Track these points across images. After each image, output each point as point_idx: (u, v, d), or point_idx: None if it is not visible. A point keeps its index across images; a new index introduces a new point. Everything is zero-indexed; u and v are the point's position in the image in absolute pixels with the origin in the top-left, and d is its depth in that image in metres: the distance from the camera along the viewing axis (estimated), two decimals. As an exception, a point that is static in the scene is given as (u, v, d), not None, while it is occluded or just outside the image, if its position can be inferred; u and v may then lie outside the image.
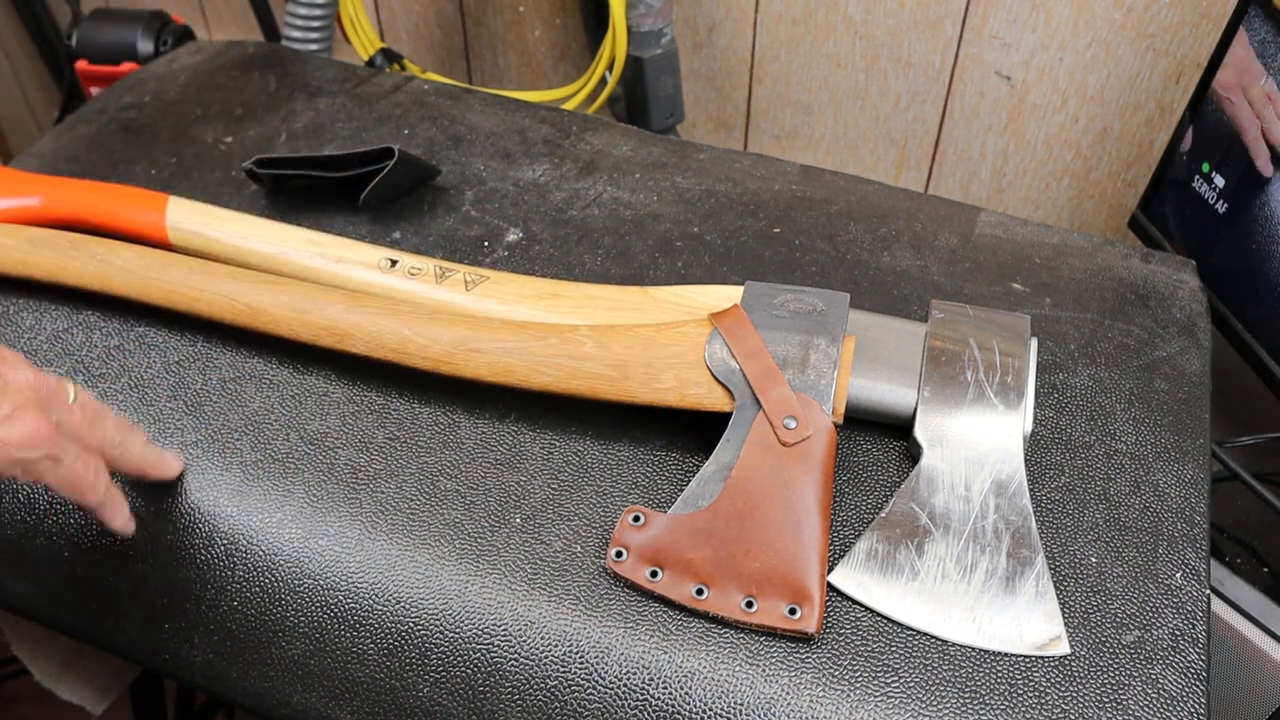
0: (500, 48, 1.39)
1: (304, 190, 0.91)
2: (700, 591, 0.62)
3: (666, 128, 1.20)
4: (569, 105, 1.22)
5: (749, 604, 0.62)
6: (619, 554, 0.64)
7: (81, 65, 1.27)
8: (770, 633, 0.62)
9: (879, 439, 0.71)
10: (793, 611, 0.61)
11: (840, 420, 0.67)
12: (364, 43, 1.28)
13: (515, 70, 1.41)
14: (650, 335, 0.70)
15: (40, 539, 0.71)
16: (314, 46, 1.22)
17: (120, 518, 0.65)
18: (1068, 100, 1.13)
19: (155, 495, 0.69)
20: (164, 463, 0.68)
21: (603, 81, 1.19)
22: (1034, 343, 0.72)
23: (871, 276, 0.82)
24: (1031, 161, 1.19)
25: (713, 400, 0.68)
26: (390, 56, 1.28)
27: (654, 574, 0.63)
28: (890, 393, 0.70)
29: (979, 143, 1.20)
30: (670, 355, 0.69)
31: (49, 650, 0.92)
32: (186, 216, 0.84)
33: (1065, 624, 0.62)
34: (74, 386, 0.63)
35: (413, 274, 0.77)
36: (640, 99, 1.18)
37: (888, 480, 0.69)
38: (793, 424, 0.66)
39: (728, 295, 0.74)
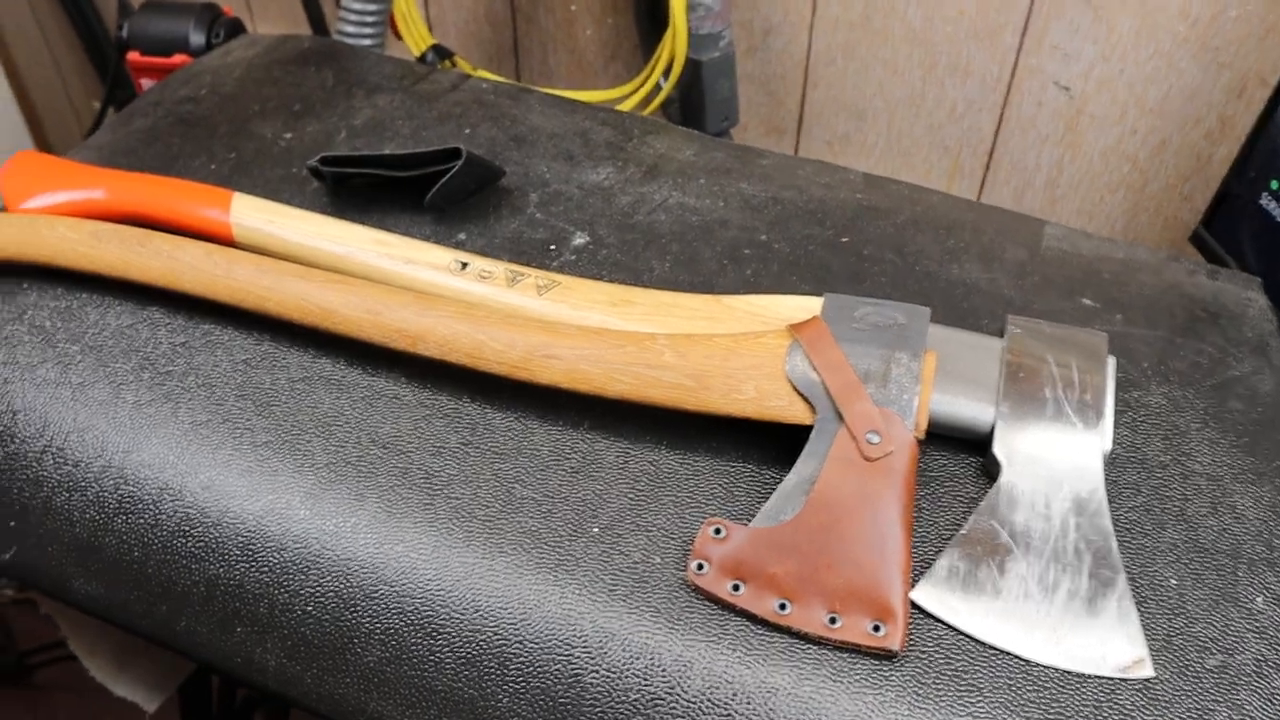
0: (550, 46, 1.39)
1: (366, 189, 0.90)
2: (783, 606, 0.62)
3: (721, 131, 1.20)
4: (623, 107, 1.21)
5: (833, 620, 0.61)
6: (700, 566, 0.63)
7: (133, 57, 1.27)
8: (853, 649, 0.61)
9: (953, 454, 0.71)
10: (876, 628, 0.61)
11: (922, 436, 0.67)
12: (416, 39, 1.27)
13: (565, 69, 1.40)
14: (730, 346, 0.69)
15: (110, 538, 0.71)
16: (367, 42, 1.21)
17: None
18: (1127, 112, 1.12)
19: (227, 496, 0.69)
20: None
21: (657, 87, 1.18)
22: (1112, 360, 0.72)
23: (941, 289, 0.82)
24: (1087, 173, 1.18)
25: (793, 413, 0.68)
26: (442, 53, 1.28)
27: (736, 588, 0.63)
28: (969, 408, 0.69)
29: (1034, 153, 1.19)
30: (750, 366, 0.69)
31: (105, 646, 0.92)
32: (251, 213, 0.84)
33: (1148, 646, 0.61)
34: None
35: (484, 277, 0.77)
36: (696, 102, 1.17)
37: (964, 496, 0.68)
38: (876, 439, 0.65)
39: (802, 306, 0.74)
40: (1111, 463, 0.70)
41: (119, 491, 0.71)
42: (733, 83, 1.17)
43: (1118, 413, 0.73)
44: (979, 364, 0.71)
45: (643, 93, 1.19)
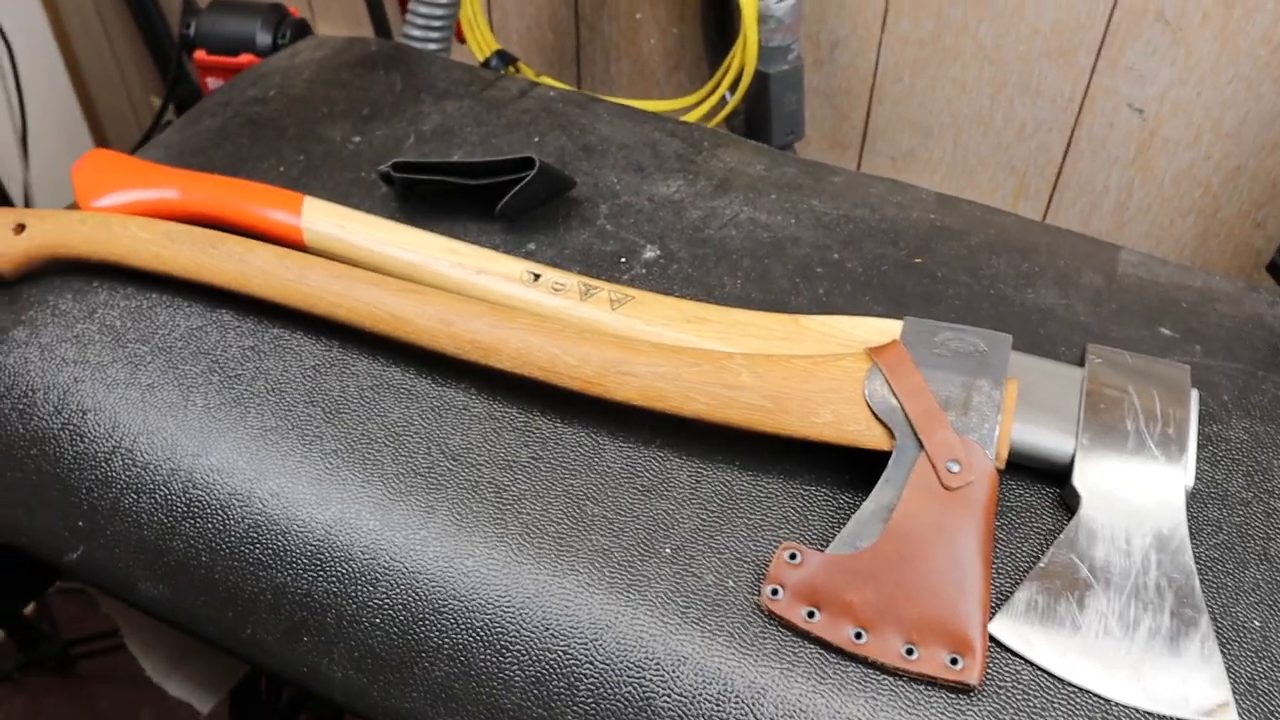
0: (613, 54, 1.38)
1: (435, 195, 0.90)
2: (859, 635, 0.61)
3: (786, 144, 1.19)
4: (688, 118, 1.20)
5: (909, 651, 0.60)
6: (774, 592, 0.62)
7: (200, 55, 1.28)
8: (929, 682, 0.60)
9: (1030, 484, 0.69)
10: (954, 661, 0.60)
11: (1002, 465, 0.66)
12: (480, 43, 1.27)
13: (626, 77, 1.40)
14: (808, 368, 0.68)
15: (177, 541, 0.71)
16: (433, 46, 1.21)
17: None
18: (1201, 136, 1.10)
19: (296, 504, 0.69)
20: None
21: (724, 99, 1.17)
22: (1195, 394, 0.70)
23: (1017, 314, 0.81)
24: (1157, 197, 1.16)
25: (871, 438, 0.67)
26: (505, 58, 1.28)
27: (811, 614, 0.62)
28: (1049, 439, 0.68)
29: (1103, 175, 1.17)
30: (828, 389, 0.68)
31: (160, 647, 0.92)
32: (322, 217, 0.83)
33: (1231, 690, 0.60)
34: None
35: (556, 290, 0.76)
36: (763, 115, 1.16)
37: (1042, 528, 0.67)
38: (956, 468, 0.64)
39: (880, 329, 0.73)
40: (1192, 498, 0.69)
41: (187, 495, 0.71)
42: (800, 96, 1.16)
43: (1198, 447, 0.72)
44: (1059, 393, 0.70)
45: (709, 104, 1.18)
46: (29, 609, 1.68)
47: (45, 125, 1.85)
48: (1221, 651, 0.61)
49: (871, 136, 1.28)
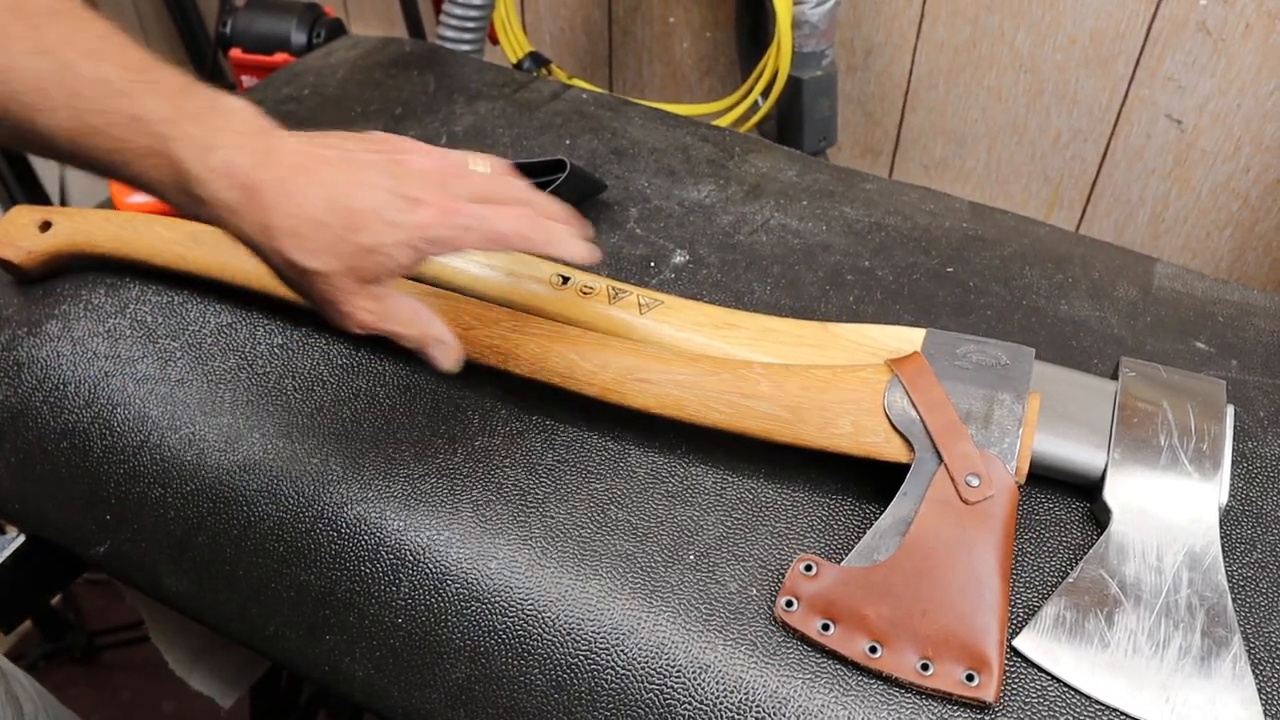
0: (645, 57, 1.38)
1: (466, 197, 0.90)
2: (874, 649, 0.60)
3: (818, 150, 1.18)
4: (720, 123, 1.20)
5: (924, 666, 0.59)
6: (789, 603, 0.62)
7: (235, 54, 1.28)
8: (945, 698, 0.59)
9: (1061, 497, 0.69)
10: (970, 678, 0.59)
11: (1023, 480, 0.65)
12: (514, 45, 1.27)
13: (659, 81, 1.39)
14: (827, 378, 0.68)
15: (203, 536, 0.71)
16: (466, 47, 1.21)
17: (577, 249, 0.64)
18: (1241, 148, 1.09)
19: (321, 501, 0.69)
20: (577, 244, 0.65)
21: (756, 104, 1.17)
22: (1231, 410, 0.69)
23: (1049, 325, 0.80)
24: (1194, 209, 1.15)
25: (890, 450, 0.66)
26: (538, 60, 1.28)
27: (826, 627, 0.61)
28: (1078, 452, 0.67)
29: (1139, 186, 1.16)
30: (848, 400, 0.67)
31: (184, 640, 0.92)
32: (353, 218, 0.83)
33: (1264, 713, 0.59)
34: (484, 159, 0.65)
35: (585, 293, 0.76)
36: (795, 120, 1.15)
37: (1071, 543, 0.66)
38: (975, 482, 0.64)
39: (908, 338, 0.72)
40: (1225, 516, 0.68)
41: (214, 491, 0.71)
42: (833, 102, 1.16)
43: (1232, 464, 0.71)
44: (1091, 407, 0.69)
45: (741, 109, 1.18)
46: (55, 599, 1.69)
47: (82, 120, 1.86)
48: (1253, 673, 0.60)
49: (904, 144, 1.27)
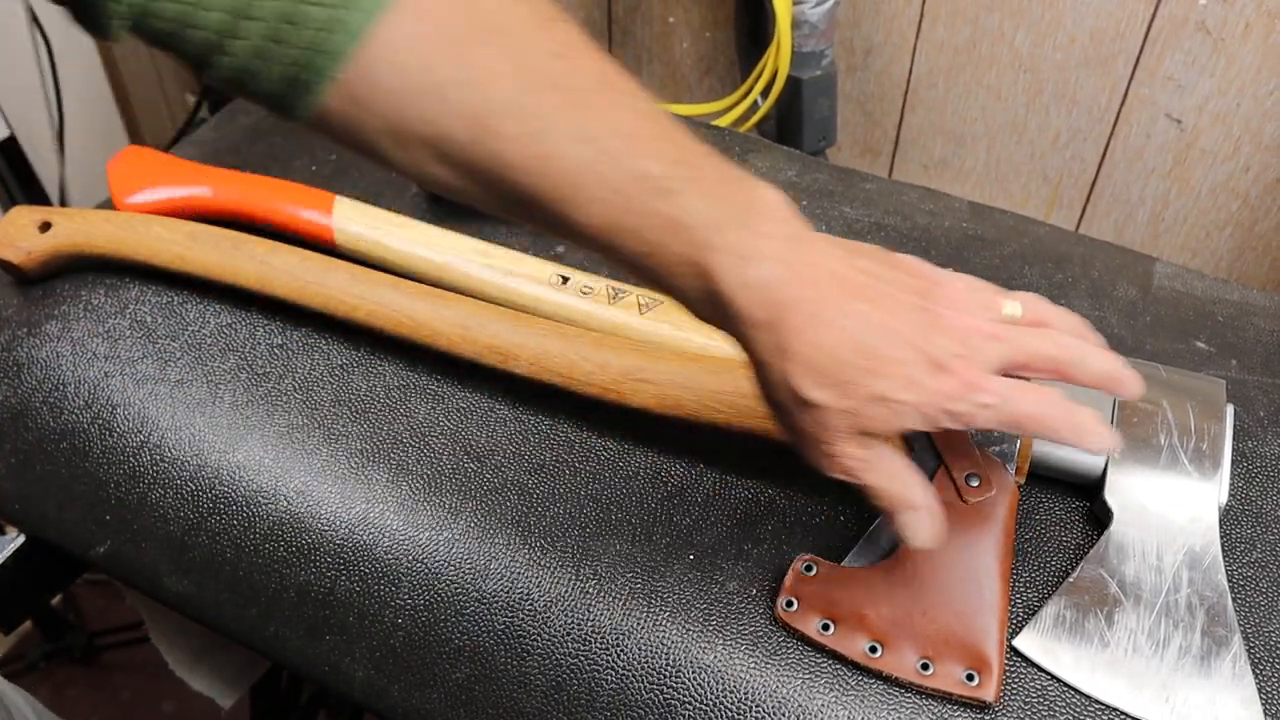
0: (645, 58, 1.38)
1: (466, 197, 0.90)
2: (874, 649, 0.60)
3: (817, 150, 1.18)
4: (719, 123, 1.20)
5: (924, 666, 0.60)
6: (789, 603, 0.62)
7: (235, 54, 1.28)
8: (945, 698, 0.59)
9: (1061, 497, 0.69)
10: (970, 678, 0.59)
11: (1023, 480, 0.65)
12: (513, 46, 1.27)
13: (658, 81, 1.39)
14: (830, 376, 0.68)
15: (203, 537, 0.71)
16: (465, 48, 1.21)
17: (1103, 439, 0.57)
18: (1240, 147, 1.09)
19: (321, 502, 0.69)
20: (1123, 378, 0.58)
21: (755, 104, 1.17)
22: (1230, 409, 0.69)
23: (1049, 324, 0.80)
24: (1194, 208, 1.15)
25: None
26: (538, 61, 1.27)
27: (826, 627, 0.61)
28: (1078, 452, 0.67)
29: (1139, 185, 1.16)
30: (850, 398, 0.67)
31: (184, 641, 0.92)
32: (353, 218, 0.83)
33: (1264, 712, 0.59)
34: (1015, 298, 0.58)
35: (585, 293, 0.76)
36: (794, 120, 1.15)
37: (1071, 542, 0.66)
38: (975, 482, 0.64)
39: (908, 337, 0.72)
40: (1225, 516, 0.68)
41: (214, 491, 0.71)
42: (832, 102, 1.16)
43: (1232, 463, 0.71)
44: (1091, 407, 0.68)
45: (740, 109, 1.18)
46: (55, 599, 1.69)
47: (81, 122, 1.86)
48: (1253, 672, 0.60)
49: (904, 144, 1.27)
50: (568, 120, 0.51)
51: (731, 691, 0.60)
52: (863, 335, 0.52)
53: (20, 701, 0.79)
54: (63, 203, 1.78)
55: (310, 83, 0.50)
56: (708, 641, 0.61)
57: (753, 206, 0.53)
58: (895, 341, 0.53)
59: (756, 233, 0.52)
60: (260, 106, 0.52)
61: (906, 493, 0.56)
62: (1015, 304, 0.58)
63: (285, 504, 0.69)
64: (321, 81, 0.50)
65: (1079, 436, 0.56)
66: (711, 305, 0.53)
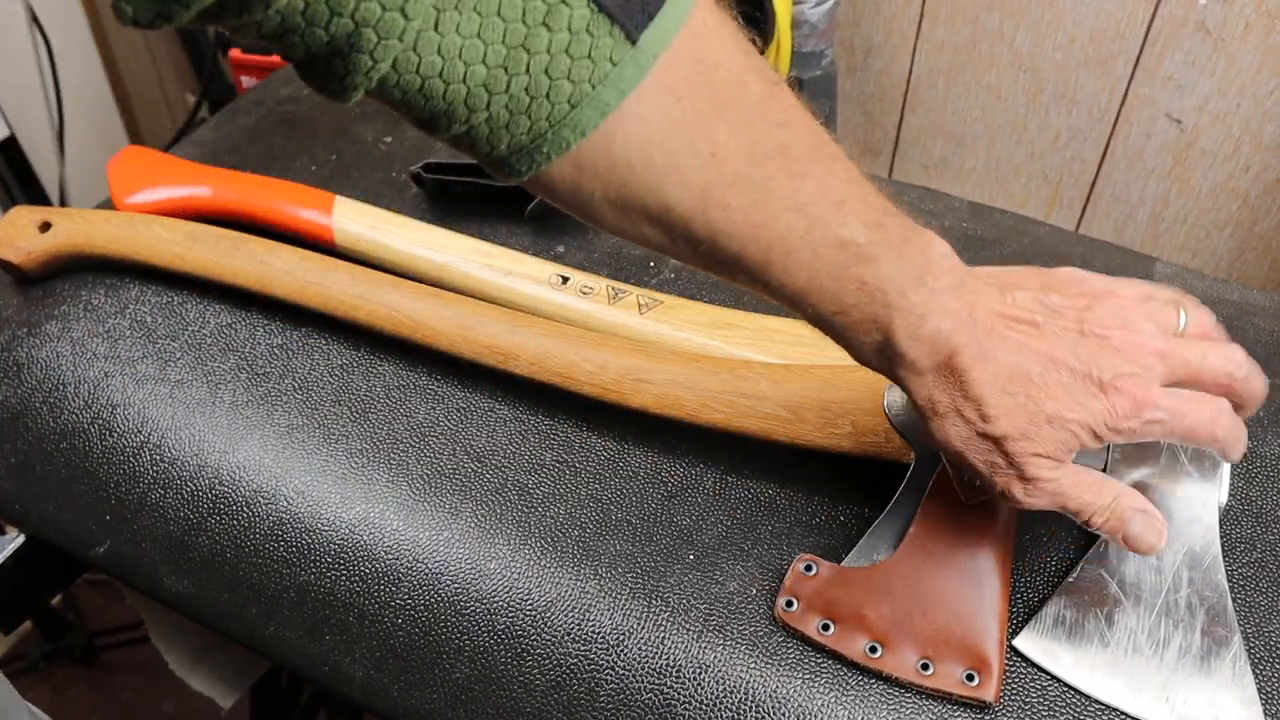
0: (645, 58, 1.38)
1: (466, 197, 0.90)
2: (874, 649, 0.60)
3: (817, 151, 1.18)
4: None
5: (924, 666, 0.60)
6: (789, 603, 0.62)
7: (235, 54, 1.28)
8: (945, 698, 0.59)
9: (1060, 498, 0.69)
10: (970, 678, 0.59)
11: (1025, 479, 0.65)
12: (513, 46, 1.27)
13: (658, 81, 1.39)
14: (827, 378, 0.68)
15: (203, 537, 0.71)
16: (465, 48, 1.21)
17: (1242, 450, 0.58)
18: (1240, 147, 1.09)
19: (321, 502, 0.69)
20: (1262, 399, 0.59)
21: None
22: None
23: (1049, 325, 0.80)
24: (1194, 208, 1.15)
25: (890, 450, 0.66)
26: (538, 61, 1.27)
27: (825, 627, 0.61)
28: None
29: (1139, 185, 1.16)
30: (848, 400, 0.67)
31: (183, 640, 0.92)
32: (353, 218, 0.84)
33: (1264, 712, 0.59)
34: (1181, 307, 0.58)
35: (585, 293, 0.76)
36: (794, 120, 1.15)
37: (1071, 542, 0.66)
38: (975, 482, 0.64)
39: (908, 337, 0.72)
40: (1225, 515, 0.68)
41: (214, 492, 0.71)
42: (833, 103, 1.16)
43: (1232, 464, 0.71)
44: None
45: (740, 109, 1.18)
46: (55, 599, 1.69)
47: (81, 122, 1.86)
48: (1253, 672, 0.60)
49: (904, 144, 1.27)
50: (785, 189, 0.52)
51: (731, 691, 0.60)
52: (1027, 365, 0.54)
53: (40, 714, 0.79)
54: (63, 203, 1.78)
55: (546, 153, 0.50)
56: (708, 641, 0.61)
57: (930, 264, 0.54)
58: (1058, 366, 0.54)
59: (932, 289, 0.54)
60: (478, 162, 0.52)
61: (1121, 501, 0.57)
62: (1182, 314, 0.59)
63: (285, 504, 0.69)
64: (558, 152, 0.50)
65: (1234, 450, 0.58)
66: (882, 356, 0.55)
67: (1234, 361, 0.57)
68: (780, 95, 0.52)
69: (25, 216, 0.82)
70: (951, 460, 0.58)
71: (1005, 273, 0.58)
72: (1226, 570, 0.65)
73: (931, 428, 0.56)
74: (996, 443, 0.55)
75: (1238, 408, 0.58)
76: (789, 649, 0.61)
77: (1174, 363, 0.56)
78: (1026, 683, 0.60)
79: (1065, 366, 0.55)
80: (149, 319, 0.80)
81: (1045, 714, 0.59)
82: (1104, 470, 0.66)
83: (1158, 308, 0.58)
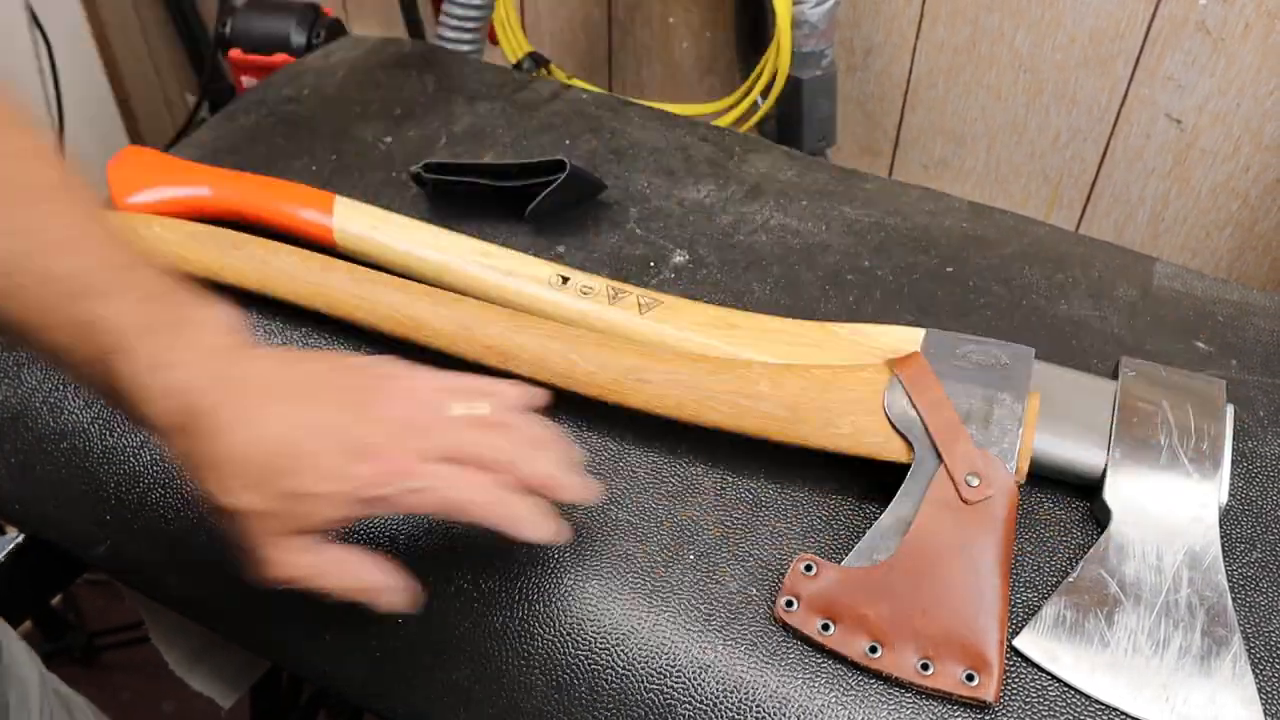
0: (645, 57, 1.38)
1: (466, 197, 0.90)
2: (874, 649, 0.60)
3: (818, 150, 1.18)
4: (719, 123, 1.20)
5: (924, 666, 0.60)
6: (789, 603, 0.62)
7: (235, 54, 1.29)
8: (945, 698, 0.59)
9: (1061, 497, 0.69)
10: (970, 678, 0.59)
11: (1023, 480, 0.65)
12: (513, 45, 1.27)
13: (658, 81, 1.39)
14: (827, 378, 0.68)
15: (203, 536, 0.71)
16: (465, 47, 1.21)
17: (539, 530, 0.56)
18: (1240, 147, 1.09)
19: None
20: (563, 484, 0.58)
21: (755, 105, 1.17)
22: (1230, 409, 0.69)
23: (1049, 325, 0.80)
24: (1194, 208, 1.15)
25: (890, 450, 0.66)
26: (538, 60, 1.28)
27: (826, 627, 0.61)
28: (1078, 452, 0.67)
29: (1139, 185, 1.16)
30: (848, 400, 0.67)
31: (183, 640, 0.92)
32: (354, 218, 0.83)
33: (1264, 711, 0.59)
34: (486, 400, 0.59)
35: (585, 293, 0.76)
36: (794, 120, 1.16)
37: (1071, 542, 0.66)
38: (975, 481, 0.64)
39: (907, 337, 0.72)
40: (1225, 515, 0.68)
41: (214, 491, 0.71)
42: (833, 103, 1.16)
43: (1232, 463, 0.71)
44: (1091, 406, 0.69)
45: (741, 109, 1.18)
46: (55, 599, 1.69)
47: (81, 122, 1.86)
48: (1253, 672, 0.60)
49: (904, 143, 1.27)
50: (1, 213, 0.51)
51: (731, 691, 0.60)
52: (281, 434, 0.53)
53: (81, 701, 0.79)
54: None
55: None
56: (708, 641, 0.61)
57: (187, 319, 0.54)
58: (315, 436, 0.53)
59: (179, 342, 0.52)
60: None
61: (366, 577, 0.55)
62: (484, 405, 0.58)
63: (285, 504, 0.69)
64: None
65: (515, 527, 0.56)
66: (129, 411, 0.53)
67: (497, 447, 0.57)
68: (20, 134, 0.53)
69: (25, 216, 0.82)
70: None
71: (303, 352, 0.58)
72: (1226, 570, 0.65)
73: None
74: (241, 518, 0.53)
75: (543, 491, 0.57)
76: (789, 649, 0.61)
77: (439, 438, 0.56)
78: (1026, 683, 0.60)
79: (324, 435, 0.53)
80: (149, 319, 0.80)
81: (1045, 714, 0.59)
82: (1104, 470, 0.67)
83: (442, 396, 0.58)
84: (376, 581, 0.55)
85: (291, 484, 0.52)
